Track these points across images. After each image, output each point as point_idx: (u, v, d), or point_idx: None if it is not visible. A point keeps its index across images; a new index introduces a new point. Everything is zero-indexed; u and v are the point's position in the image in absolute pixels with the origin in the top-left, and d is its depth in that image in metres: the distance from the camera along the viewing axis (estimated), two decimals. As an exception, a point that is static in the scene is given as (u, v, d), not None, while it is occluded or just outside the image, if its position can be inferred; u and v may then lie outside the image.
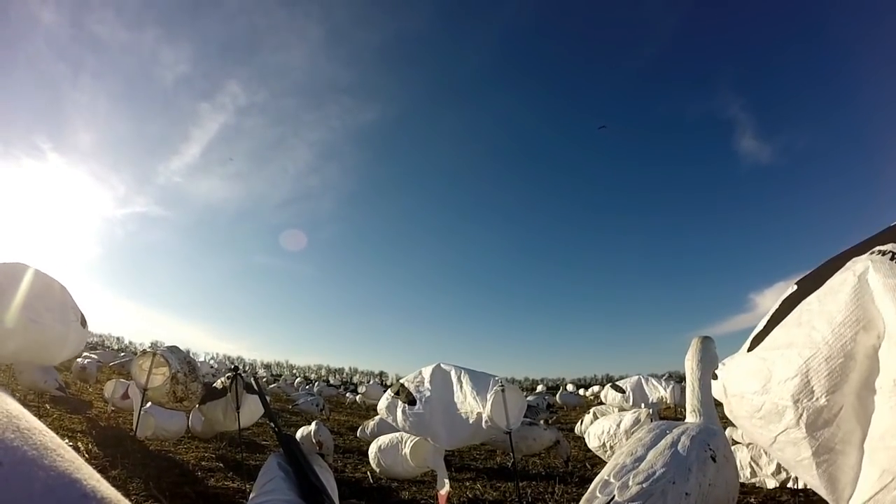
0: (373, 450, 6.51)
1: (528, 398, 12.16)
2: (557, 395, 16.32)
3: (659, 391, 8.29)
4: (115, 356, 20.30)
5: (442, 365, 5.72)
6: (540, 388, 40.14)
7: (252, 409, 5.62)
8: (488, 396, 5.11)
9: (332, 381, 42.36)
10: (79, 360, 10.01)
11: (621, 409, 7.92)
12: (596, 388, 28.38)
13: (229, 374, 5.69)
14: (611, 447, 4.62)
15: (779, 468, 4.93)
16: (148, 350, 5.26)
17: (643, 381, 8.54)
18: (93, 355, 12.69)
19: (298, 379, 31.89)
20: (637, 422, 4.14)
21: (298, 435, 5.74)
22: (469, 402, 5.35)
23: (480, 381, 5.47)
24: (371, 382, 18.42)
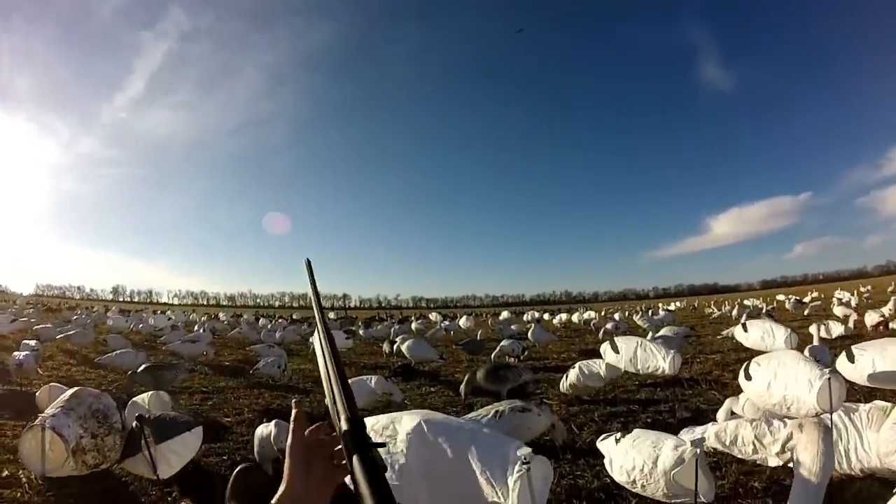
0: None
1: (503, 343, 12.21)
2: (529, 333, 15.61)
3: (657, 360, 7.49)
4: (61, 326, 17.69)
5: (426, 424, 3.65)
6: (504, 313, 39.68)
7: (178, 456, 4.26)
8: (510, 482, 3.32)
9: (295, 316, 41.52)
10: (15, 354, 9.08)
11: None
12: (563, 317, 28.28)
13: (135, 422, 4.28)
14: (642, 486, 3.87)
15: (783, 447, 4.59)
16: (34, 424, 4.02)
17: (638, 344, 7.81)
18: (30, 342, 11.09)
19: (262, 320, 31.47)
20: (681, 461, 3.54)
21: (257, 435, 4.96)
22: (477, 484, 3.33)
23: (494, 456, 3.50)
24: (337, 329, 17.61)
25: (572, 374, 7.81)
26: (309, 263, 1.11)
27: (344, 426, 0.78)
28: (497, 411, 4.98)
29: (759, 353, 6.84)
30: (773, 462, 4.68)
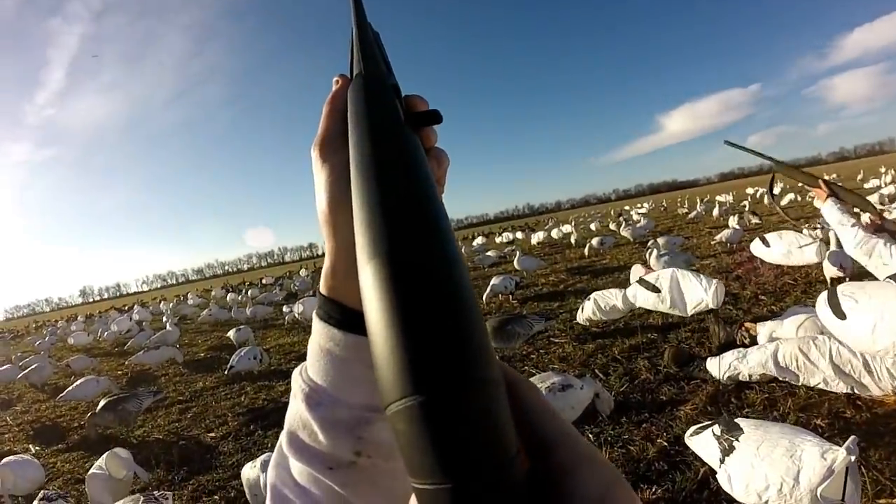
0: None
1: (494, 282, 11.31)
2: (515, 261, 14.71)
3: (699, 292, 6.08)
4: (26, 359, 15.81)
5: None
6: (479, 239, 38.26)
7: None
8: None
9: (265, 281, 40.61)
10: None
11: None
12: (541, 235, 27.29)
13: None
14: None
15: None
16: None
17: (678, 276, 6.34)
18: None
19: (230, 294, 30.43)
20: (830, 473, 2.80)
21: (245, 479, 4.22)
22: None
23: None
24: (310, 294, 16.76)
25: (588, 308, 7.21)
26: None
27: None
28: None
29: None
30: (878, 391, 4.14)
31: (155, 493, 3.47)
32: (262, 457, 4.23)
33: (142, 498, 3.34)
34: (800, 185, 3.75)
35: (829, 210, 3.84)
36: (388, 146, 0.38)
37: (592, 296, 7.23)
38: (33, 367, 13.67)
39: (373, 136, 0.39)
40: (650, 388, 5.40)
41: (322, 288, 0.52)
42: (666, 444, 4.22)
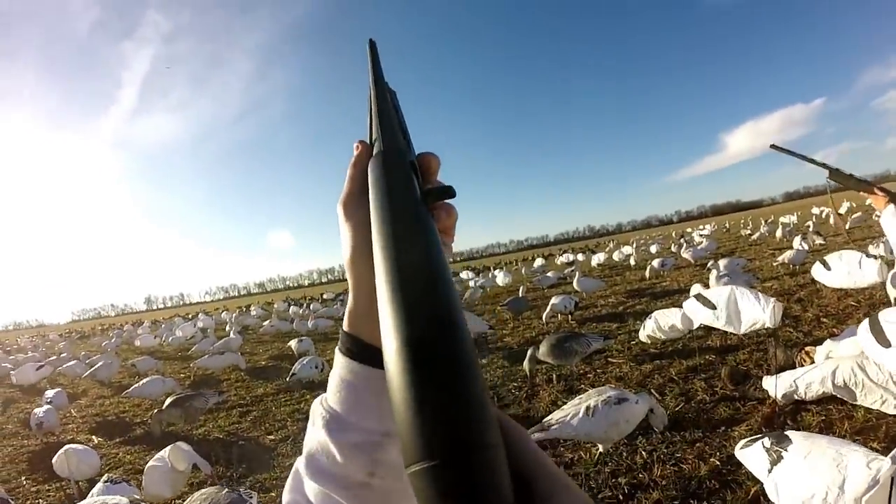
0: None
1: (553, 301, 11.22)
2: (575, 282, 14.57)
3: (756, 312, 5.71)
4: (91, 357, 16.81)
5: None
6: (538, 260, 37.86)
7: None
8: None
9: (325, 295, 41.14)
10: (35, 412, 8.40)
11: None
12: (601, 257, 27.02)
13: None
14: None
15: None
16: None
17: (736, 293, 6.01)
18: (50, 393, 10.15)
19: (292, 308, 30.89)
20: (875, 483, 2.72)
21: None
22: None
23: None
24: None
25: (648, 327, 7.08)
26: (373, 45, 0.77)
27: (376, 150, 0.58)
28: (588, 407, 4.30)
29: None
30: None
31: (241, 489, 3.42)
32: None
33: (225, 489, 3.30)
34: (860, 194, 3.51)
35: (888, 217, 3.58)
36: (405, 233, 0.44)
37: (653, 314, 7.10)
38: (101, 364, 14.13)
39: (393, 218, 0.45)
40: (705, 409, 5.30)
41: (344, 324, 0.59)
42: (718, 463, 4.15)
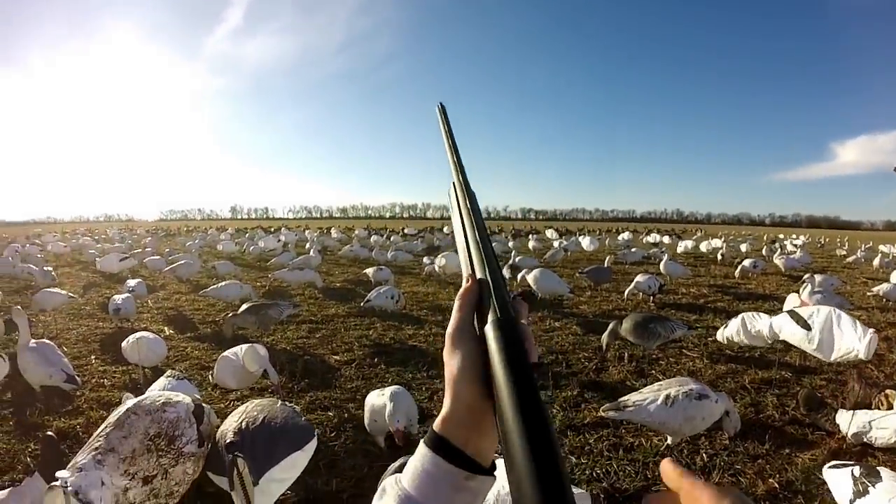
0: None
1: (638, 279, 10.80)
2: (662, 265, 13.84)
3: (851, 341, 5.09)
4: (173, 255, 18.01)
5: None
6: (625, 234, 35.96)
7: (282, 484, 3.01)
8: None
9: (407, 230, 41.24)
10: (114, 298, 8.59)
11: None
12: (689, 245, 25.12)
13: (228, 454, 3.23)
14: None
15: None
16: (54, 485, 2.49)
17: (834, 317, 5.35)
18: (132, 283, 10.62)
19: (373, 237, 30.93)
20: None
21: (369, 404, 4.27)
22: None
23: None
24: (453, 250, 16.46)
25: (732, 327, 6.46)
26: (443, 108, 1.00)
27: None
28: (668, 396, 4.07)
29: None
30: None
31: (295, 408, 3.26)
32: (392, 388, 4.17)
33: (279, 403, 3.16)
34: None
35: None
36: (528, 412, 0.53)
37: (741, 315, 6.47)
38: (182, 262, 14.59)
39: (519, 397, 0.54)
40: (773, 426, 4.95)
41: (436, 425, 0.65)
42: (777, 485, 3.91)
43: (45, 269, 13.37)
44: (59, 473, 2.45)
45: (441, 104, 1.00)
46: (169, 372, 4.41)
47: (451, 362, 0.66)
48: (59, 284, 12.08)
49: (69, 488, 2.38)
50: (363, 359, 6.92)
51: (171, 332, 8.45)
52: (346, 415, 5.10)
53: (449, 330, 0.69)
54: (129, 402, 2.90)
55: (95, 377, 6.21)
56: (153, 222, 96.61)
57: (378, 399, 4.19)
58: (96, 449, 2.62)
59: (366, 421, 4.28)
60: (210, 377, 5.68)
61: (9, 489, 3.15)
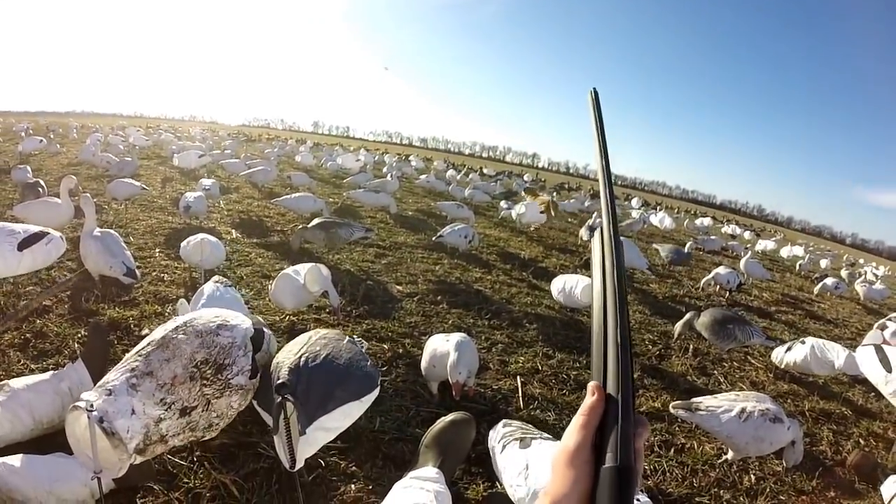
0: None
1: (719, 271, 10.17)
2: (743, 261, 12.96)
3: None
4: (251, 160, 18.23)
5: None
6: (706, 220, 32.26)
7: (329, 433, 2.71)
8: None
9: (485, 170, 40.80)
10: (186, 195, 8.75)
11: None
12: (769, 246, 23.85)
13: (278, 395, 2.67)
14: None
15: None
16: (77, 405, 2.18)
17: None
18: (206, 182, 10.61)
19: (451, 171, 30.59)
20: None
21: (431, 349, 4.04)
22: None
23: None
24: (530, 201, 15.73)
25: (799, 351, 6.00)
26: (596, 96, 0.84)
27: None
28: (744, 410, 3.83)
29: None
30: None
31: (358, 339, 3.02)
32: (459, 336, 3.95)
33: (346, 339, 2.92)
34: None
35: None
36: None
37: (810, 341, 6.01)
38: (260, 168, 14.75)
39: None
40: (824, 463, 4.57)
41: None
42: None
43: (125, 159, 13.76)
44: (84, 395, 2.17)
45: (594, 91, 0.87)
46: (216, 277, 4.25)
47: (561, 480, 0.66)
48: (135, 176, 12.24)
49: (94, 413, 2.07)
50: (426, 294, 6.77)
51: (238, 235, 8.47)
52: (400, 350, 4.94)
53: (567, 444, 0.68)
54: (179, 318, 2.62)
55: (156, 271, 6.21)
56: (235, 127, 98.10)
57: (442, 345, 3.98)
58: (132, 370, 2.29)
59: (423, 364, 4.09)
60: (270, 287, 5.61)
61: (51, 372, 3.11)
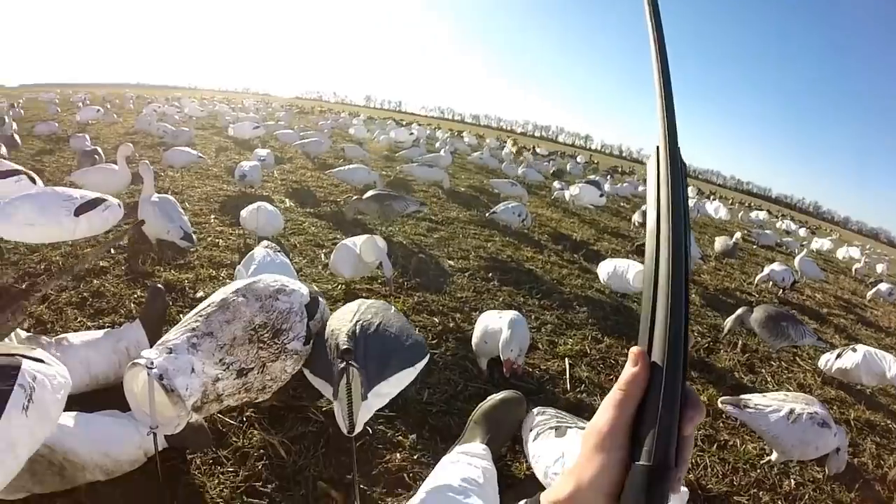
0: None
1: (774, 267, 9.72)
2: (797, 259, 12.34)
3: None
4: (304, 131, 18.40)
5: None
6: (762, 213, 30.44)
7: (383, 399, 2.66)
8: None
9: (539, 149, 40.29)
10: (242, 164, 8.94)
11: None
12: (825, 245, 22.48)
13: (341, 361, 2.47)
14: None
15: None
16: (137, 362, 2.15)
17: None
18: (261, 152, 11.12)
19: (506, 148, 30.12)
20: None
21: (483, 325, 4.03)
22: None
23: None
24: (585, 181, 15.44)
25: (849, 360, 5.78)
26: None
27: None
28: (792, 411, 3.74)
29: None
30: None
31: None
32: (512, 314, 3.89)
33: (392, 308, 2.93)
34: None
35: None
36: None
37: (861, 349, 5.82)
38: (313, 139, 14.95)
39: None
40: (865, 476, 4.40)
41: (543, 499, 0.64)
42: None
43: (181, 129, 14.30)
44: (145, 352, 2.19)
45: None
46: (265, 242, 4.27)
47: (588, 464, 0.59)
48: (190, 145, 12.52)
49: (154, 370, 2.09)
50: (477, 270, 6.72)
51: (292, 204, 8.54)
52: (451, 324, 4.92)
53: (599, 423, 0.60)
54: (239, 281, 2.69)
55: (211, 236, 6.31)
56: (288, 99, 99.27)
57: (495, 322, 3.97)
58: (193, 330, 2.33)
59: (475, 339, 4.08)
60: (322, 256, 5.73)
61: (107, 329, 3.17)
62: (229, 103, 38.15)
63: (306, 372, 2.68)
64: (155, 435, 2.17)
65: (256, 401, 2.64)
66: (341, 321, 2.70)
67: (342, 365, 2.34)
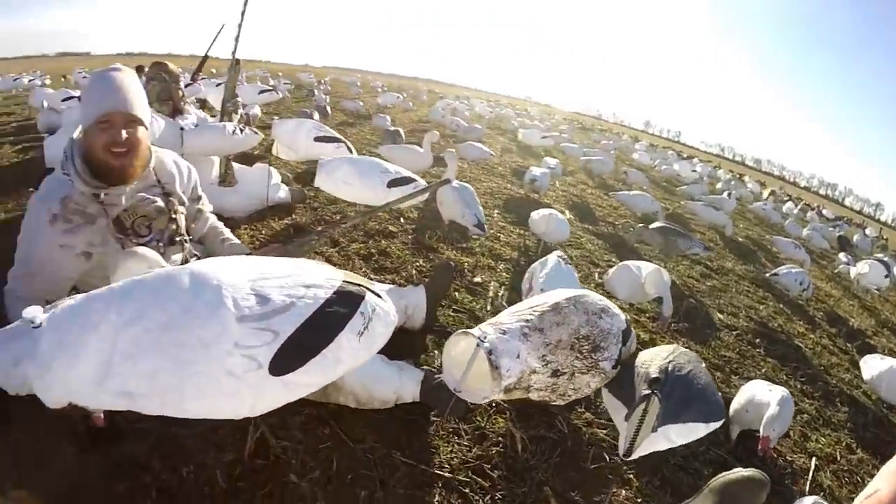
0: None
1: (782, 270, 8.66)
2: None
3: None
4: (588, 148, 18.91)
5: None
6: (791, 205, 27.00)
7: (655, 444, 2.60)
8: None
9: (825, 211, 37.38)
10: (532, 169, 9.28)
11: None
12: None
13: (645, 388, 2.62)
14: None
15: None
16: (469, 332, 2.41)
17: None
18: (550, 161, 11.31)
19: (788, 203, 27.75)
20: None
21: (750, 393, 3.79)
22: None
23: None
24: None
25: (875, 368, 5.40)
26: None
27: None
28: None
29: None
30: None
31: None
32: (782, 391, 3.70)
33: (703, 362, 2.91)
34: None
35: None
36: None
37: (892, 362, 5.30)
38: (599, 158, 15.49)
39: None
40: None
41: None
42: None
43: (474, 125, 15.64)
44: (482, 326, 2.51)
45: None
46: (559, 252, 4.37)
47: None
48: (480, 141, 13.20)
49: (486, 345, 2.34)
50: (745, 332, 6.30)
51: (572, 217, 8.62)
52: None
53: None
54: (569, 291, 2.84)
55: (493, 229, 6.66)
56: (569, 112, 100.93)
57: (764, 393, 3.73)
58: (526, 321, 2.55)
59: (735, 405, 3.82)
60: (595, 275, 5.87)
61: (392, 286, 3.61)
62: (515, 109, 39.66)
63: (604, 391, 2.75)
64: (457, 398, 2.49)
65: (553, 403, 2.77)
66: (655, 356, 2.77)
67: (647, 392, 2.42)
